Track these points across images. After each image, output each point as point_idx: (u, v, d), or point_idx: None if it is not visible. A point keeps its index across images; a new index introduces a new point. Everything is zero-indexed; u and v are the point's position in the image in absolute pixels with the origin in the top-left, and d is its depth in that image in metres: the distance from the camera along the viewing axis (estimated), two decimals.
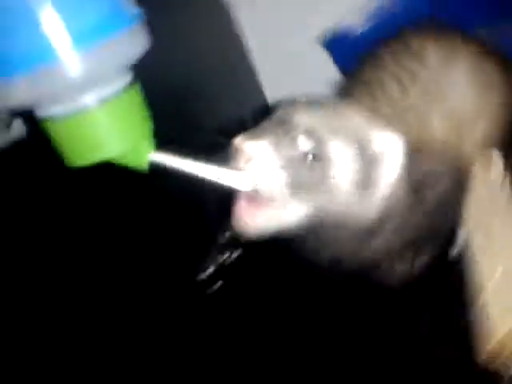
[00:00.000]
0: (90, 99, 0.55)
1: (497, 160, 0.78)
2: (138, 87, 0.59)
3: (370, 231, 0.66)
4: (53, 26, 0.49)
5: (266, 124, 0.64)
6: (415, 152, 0.66)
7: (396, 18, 1.17)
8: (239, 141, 0.59)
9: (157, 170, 0.61)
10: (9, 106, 0.54)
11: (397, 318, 0.72)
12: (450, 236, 0.75)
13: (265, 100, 1.33)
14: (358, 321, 0.73)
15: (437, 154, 0.72)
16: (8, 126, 0.59)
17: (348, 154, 0.62)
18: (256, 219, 0.61)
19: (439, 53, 0.78)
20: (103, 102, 0.56)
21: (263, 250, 0.84)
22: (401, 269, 0.75)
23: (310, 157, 0.60)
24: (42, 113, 0.56)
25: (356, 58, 0.91)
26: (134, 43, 0.56)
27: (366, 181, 0.62)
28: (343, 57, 1.23)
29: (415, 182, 0.67)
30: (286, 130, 0.61)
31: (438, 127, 0.75)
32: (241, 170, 0.59)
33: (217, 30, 1.27)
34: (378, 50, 0.85)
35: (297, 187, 0.60)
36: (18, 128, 0.61)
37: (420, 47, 0.79)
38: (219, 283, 0.88)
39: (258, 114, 0.67)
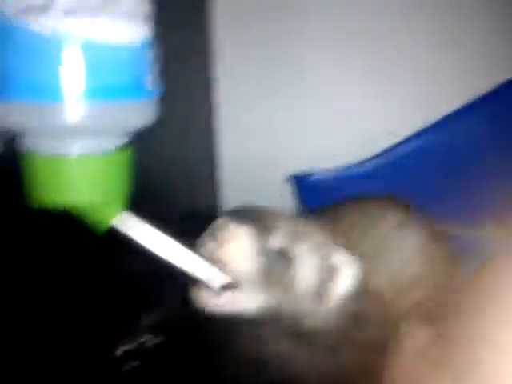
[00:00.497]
0: (75, 148, 0.56)
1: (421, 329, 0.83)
2: (129, 152, 0.61)
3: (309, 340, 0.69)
4: (73, 71, 0.52)
5: (245, 212, 0.68)
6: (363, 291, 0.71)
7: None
8: (222, 222, 0.63)
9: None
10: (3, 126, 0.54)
11: None
12: None
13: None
14: None
15: (377, 303, 0.76)
16: None
17: (311, 260, 0.68)
18: (215, 301, 0.63)
19: (400, 216, 0.88)
20: (87, 154, 0.57)
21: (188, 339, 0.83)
22: None
23: (279, 254, 0.66)
24: (26, 143, 0.56)
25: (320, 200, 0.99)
26: (139, 115, 0.58)
27: (320, 288, 0.67)
28: (305, 198, 1.32)
29: (353, 315, 0.70)
30: (265, 224, 0.66)
31: (380, 282, 0.81)
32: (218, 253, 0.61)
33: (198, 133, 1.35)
34: (344, 201, 0.95)
35: (263, 276, 0.64)
36: None
37: (380, 209, 0.89)
38: (134, 363, 0.84)
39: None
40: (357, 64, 1.45)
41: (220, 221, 0.65)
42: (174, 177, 1.22)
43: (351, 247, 0.80)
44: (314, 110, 1.49)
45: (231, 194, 1.48)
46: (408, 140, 1.42)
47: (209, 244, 0.64)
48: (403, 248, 0.87)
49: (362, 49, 1.43)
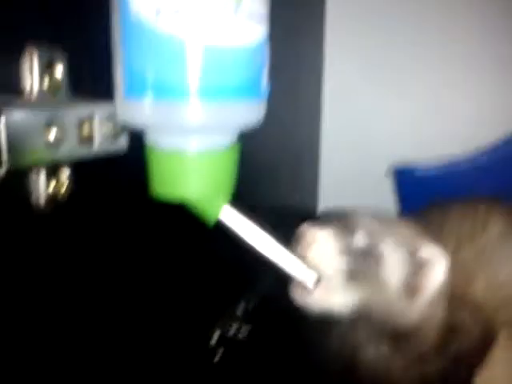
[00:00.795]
0: (194, 143, 0.60)
1: None
2: (238, 149, 0.64)
3: (405, 341, 0.70)
4: (197, 72, 0.55)
5: (326, 219, 0.69)
6: (457, 298, 0.69)
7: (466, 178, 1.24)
8: (305, 227, 0.65)
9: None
10: (130, 123, 0.59)
11: None
12: None
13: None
14: None
15: (473, 310, 0.74)
16: (116, 138, 0.64)
17: (398, 255, 0.68)
18: (309, 297, 0.66)
19: (502, 225, 0.84)
20: (204, 150, 0.61)
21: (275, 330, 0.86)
22: None
23: (364, 253, 0.67)
24: (150, 138, 0.61)
25: (421, 199, 0.97)
26: (253, 114, 0.61)
27: (410, 285, 0.68)
28: (406, 191, 1.29)
29: (450, 320, 0.69)
30: (346, 225, 0.68)
31: (479, 290, 0.78)
32: (303, 256, 0.62)
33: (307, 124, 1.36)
34: (447, 203, 0.90)
35: (351, 275, 0.66)
36: (122, 143, 0.65)
37: (486, 214, 0.85)
38: (222, 353, 0.89)
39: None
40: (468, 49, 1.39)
41: (304, 226, 0.67)
42: (279, 169, 1.25)
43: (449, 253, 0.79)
44: (421, 98, 1.45)
45: (331, 185, 1.49)
46: None
47: (296, 249, 0.66)
48: (509, 256, 0.82)
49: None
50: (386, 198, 1.40)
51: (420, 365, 0.70)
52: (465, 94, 1.43)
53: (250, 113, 0.61)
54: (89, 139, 0.61)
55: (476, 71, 1.41)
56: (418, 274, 0.67)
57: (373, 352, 0.72)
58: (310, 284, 0.63)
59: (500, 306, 0.79)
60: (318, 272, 0.63)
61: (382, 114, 1.50)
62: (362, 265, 0.66)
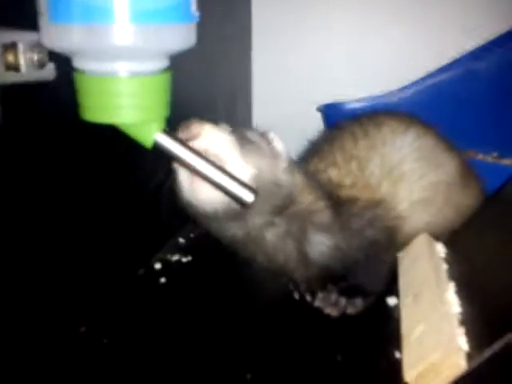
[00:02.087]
0: (125, 67, 0.61)
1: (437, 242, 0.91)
2: (169, 75, 0.66)
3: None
4: None
5: None
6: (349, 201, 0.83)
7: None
8: (186, 123, 0.70)
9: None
10: (57, 47, 0.60)
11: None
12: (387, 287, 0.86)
13: None
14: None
15: (371, 205, 0.85)
16: (42, 66, 0.64)
17: (259, 137, 0.79)
18: (204, 188, 0.70)
19: (394, 125, 0.95)
20: (135, 74, 0.62)
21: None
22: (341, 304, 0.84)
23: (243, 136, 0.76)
24: (79, 64, 0.62)
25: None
26: (183, 38, 0.63)
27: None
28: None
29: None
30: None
31: (374, 172, 0.90)
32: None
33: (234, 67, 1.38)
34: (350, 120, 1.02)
35: (244, 148, 0.73)
36: (50, 71, 0.66)
37: (382, 119, 0.97)
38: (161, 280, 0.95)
39: None
40: None
41: (184, 122, 0.71)
42: (214, 105, 1.27)
43: (344, 153, 0.92)
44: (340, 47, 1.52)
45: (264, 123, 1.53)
46: (441, 70, 1.45)
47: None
48: (400, 146, 0.93)
49: None
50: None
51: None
52: (386, 38, 1.50)
53: (179, 36, 0.62)
54: (15, 66, 0.61)
55: (396, 17, 1.48)
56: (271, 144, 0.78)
57: (272, 233, 0.80)
58: (246, 198, 0.67)
59: (399, 191, 0.90)
60: (252, 189, 0.68)
61: (310, 54, 1.55)
62: (247, 139, 0.76)
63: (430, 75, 1.47)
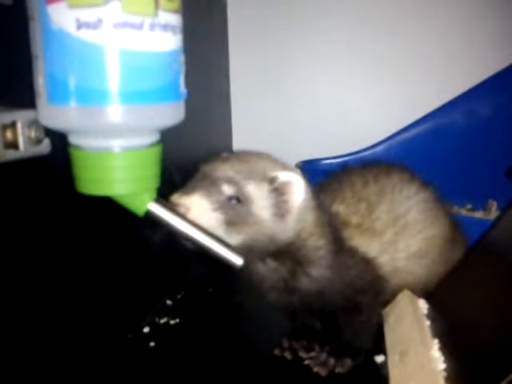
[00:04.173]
0: (117, 143, 0.64)
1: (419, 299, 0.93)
2: (160, 148, 0.69)
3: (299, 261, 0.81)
4: (118, 79, 0.59)
5: (193, 180, 0.77)
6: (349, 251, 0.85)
7: None
8: (176, 197, 0.72)
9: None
10: (54, 126, 0.63)
11: None
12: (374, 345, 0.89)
13: None
14: None
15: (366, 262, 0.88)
16: (39, 141, 0.67)
17: (262, 190, 0.76)
18: None
19: (401, 174, 0.99)
20: (127, 149, 0.65)
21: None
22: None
23: (234, 200, 0.74)
24: (74, 140, 0.65)
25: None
26: (172, 115, 0.66)
27: (280, 209, 0.77)
28: (313, 182, 1.41)
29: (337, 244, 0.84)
30: (211, 181, 0.75)
31: (381, 218, 0.92)
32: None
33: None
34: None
35: (230, 223, 0.73)
36: (46, 146, 0.69)
37: (389, 168, 1.01)
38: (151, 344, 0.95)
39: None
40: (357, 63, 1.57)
41: (174, 197, 0.72)
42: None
43: (354, 194, 0.94)
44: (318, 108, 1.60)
45: None
46: (411, 126, 1.53)
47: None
48: (407, 196, 0.96)
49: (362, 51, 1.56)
50: None
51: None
52: (364, 98, 1.60)
53: (168, 115, 0.66)
54: (14, 144, 0.64)
55: (374, 79, 1.58)
56: (282, 197, 0.76)
57: (262, 266, 0.81)
58: (236, 262, 0.70)
59: (399, 243, 0.92)
60: (241, 256, 0.70)
61: (289, 113, 1.63)
62: (235, 212, 0.74)
63: (401, 131, 1.55)
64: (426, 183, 1.01)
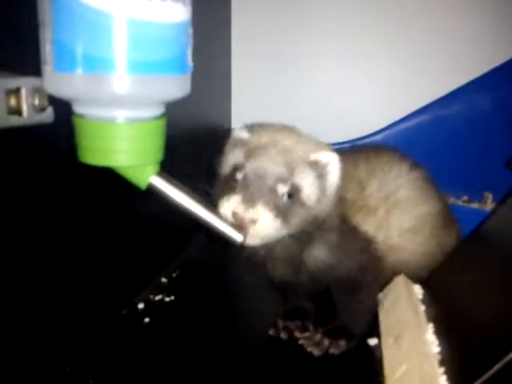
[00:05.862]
0: (123, 114, 0.64)
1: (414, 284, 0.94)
2: (164, 121, 0.69)
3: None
4: (126, 48, 0.58)
5: (244, 181, 0.75)
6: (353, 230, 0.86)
7: None
8: (241, 210, 0.71)
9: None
10: (60, 94, 0.62)
11: None
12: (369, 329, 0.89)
13: None
14: None
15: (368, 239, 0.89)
16: (43, 109, 0.66)
17: (308, 179, 0.77)
18: (253, 240, 0.73)
19: (391, 156, 1.01)
20: (132, 121, 0.65)
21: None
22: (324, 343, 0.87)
23: (285, 195, 0.75)
24: (78, 109, 0.64)
25: None
26: (179, 88, 0.66)
27: (322, 190, 0.78)
28: None
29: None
30: (267, 185, 0.74)
31: (373, 195, 0.94)
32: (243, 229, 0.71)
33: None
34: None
35: (284, 220, 0.74)
36: (49, 115, 0.68)
37: (382, 150, 1.04)
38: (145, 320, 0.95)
39: None
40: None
41: (239, 209, 0.71)
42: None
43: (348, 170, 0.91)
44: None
45: None
46: (411, 115, 1.54)
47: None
48: (398, 175, 0.98)
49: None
50: None
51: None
52: (365, 86, 1.59)
53: (175, 87, 0.65)
54: (17, 110, 0.63)
55: (375, 68, 1.58)
56: (325, 178, 0.77)
57: (275, 243, 0.78)
58: (237, 238, 0.71)
59: (391, 222, 0.94)
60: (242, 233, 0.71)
61: (289, 102, 1.62)
62: (288, 206, 0.74)
63: (401, 120, 1.55)
64: (416, 163, 1.02)
